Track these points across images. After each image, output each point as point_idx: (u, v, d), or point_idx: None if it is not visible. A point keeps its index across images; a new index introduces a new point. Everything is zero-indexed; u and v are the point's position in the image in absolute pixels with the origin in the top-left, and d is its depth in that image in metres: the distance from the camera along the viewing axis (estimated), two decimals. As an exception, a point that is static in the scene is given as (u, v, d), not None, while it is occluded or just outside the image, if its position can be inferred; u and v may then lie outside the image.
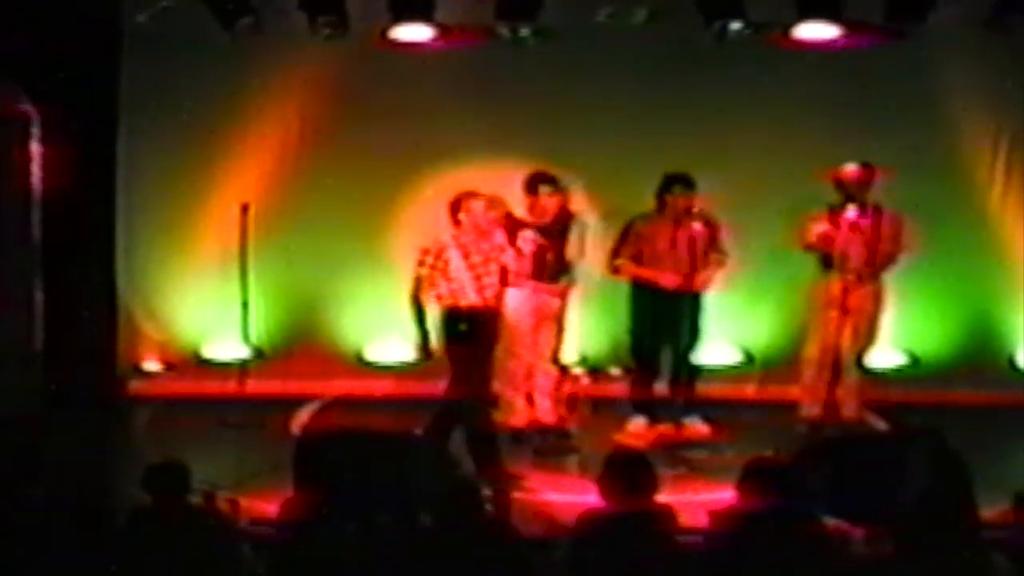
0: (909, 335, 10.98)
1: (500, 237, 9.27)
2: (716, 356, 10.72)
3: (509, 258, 9.27)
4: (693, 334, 10.13)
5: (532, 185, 9.89)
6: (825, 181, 10.03)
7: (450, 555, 6.75)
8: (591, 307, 10.47)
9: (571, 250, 9.93)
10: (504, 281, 9.30)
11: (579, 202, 10.27)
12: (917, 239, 10.14)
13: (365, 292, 11.09)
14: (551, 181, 9.90)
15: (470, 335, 9.10)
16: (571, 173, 10.18)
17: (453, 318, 9.12)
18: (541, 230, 9.67)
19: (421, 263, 9.12)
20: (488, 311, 9.17)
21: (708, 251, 10.03)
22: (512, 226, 9.51)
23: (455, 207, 9.18)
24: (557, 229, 9.81)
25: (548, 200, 9.84)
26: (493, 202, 9.28)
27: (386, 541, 6.89)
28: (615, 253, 10.11)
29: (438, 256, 9.09)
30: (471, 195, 9.20)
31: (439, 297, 9.13)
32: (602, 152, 10.64)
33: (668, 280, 9.95)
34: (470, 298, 9.11)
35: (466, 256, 9.10)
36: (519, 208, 9.87)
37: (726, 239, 10.13)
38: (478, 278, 9.12)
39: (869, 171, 9.96)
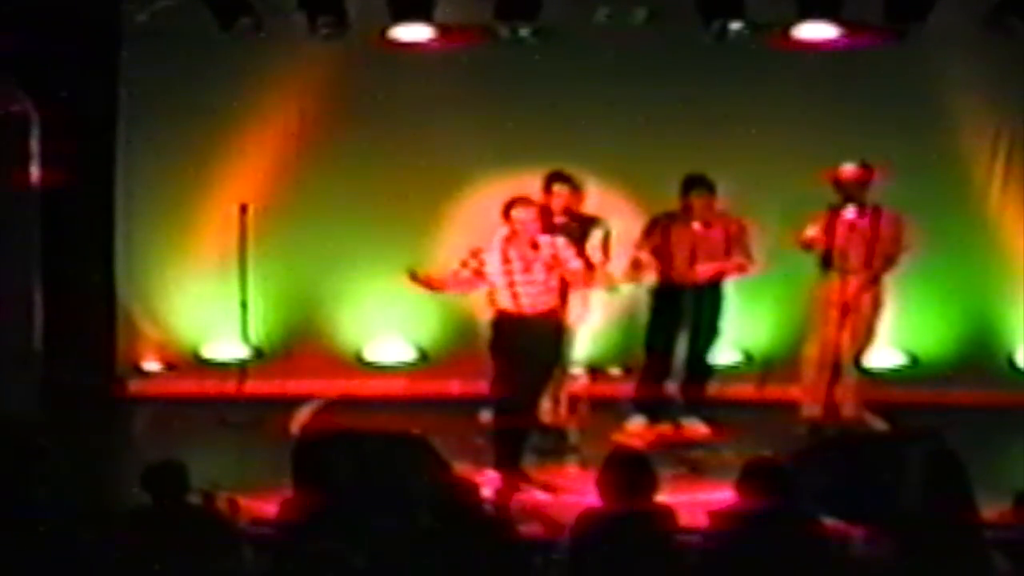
0: (909, 335, 10.98)
1: (547, 247, 9.08)
2: (716, 356, 10.71)
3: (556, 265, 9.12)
4: (710, 332, 10.13)
5: (547, 184, 9.83)
6: (823, 181, 10.03)
7: (450, 555, 6.75)
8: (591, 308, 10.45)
9: (592, 254, 9.83)
10: (561, 290, 9.18)
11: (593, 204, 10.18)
12: (917, 239, 10.14)
13: (365, 292, 11.10)
14: (565, 180, 9.82)
15: (502, 337, 9.10)
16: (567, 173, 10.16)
17: (494, 319, 9.15)
18: (560, 229, 9.59)
19: (464, 263, 9.08)
20: (519, 317, 9.04)
21: (730, 254, 10.00)
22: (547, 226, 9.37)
23: (505, 211, 9.07)
24: (573, 231, 9.72)
25: (558, 200, 9.77)
26: (543, 210, 9.21)
27: (385, 541, 6.89)
28: (638, 246, 10.07)
29: (474, 255, 9.05)
30: (520, 201, 9.08)
31: (467, 290, 9.20)
32: (601, 152, 10.62)
33: (695, 273, 9.92)
34: (504, 302, 9.08)
35: (505, 260, 9.02)
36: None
37: (752, 243, 10.10)
38: (511, 284, 9.02)
39: (867, 171, 9.95)
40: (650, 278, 10.10)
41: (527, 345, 9.08)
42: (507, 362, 9.10)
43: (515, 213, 9.02)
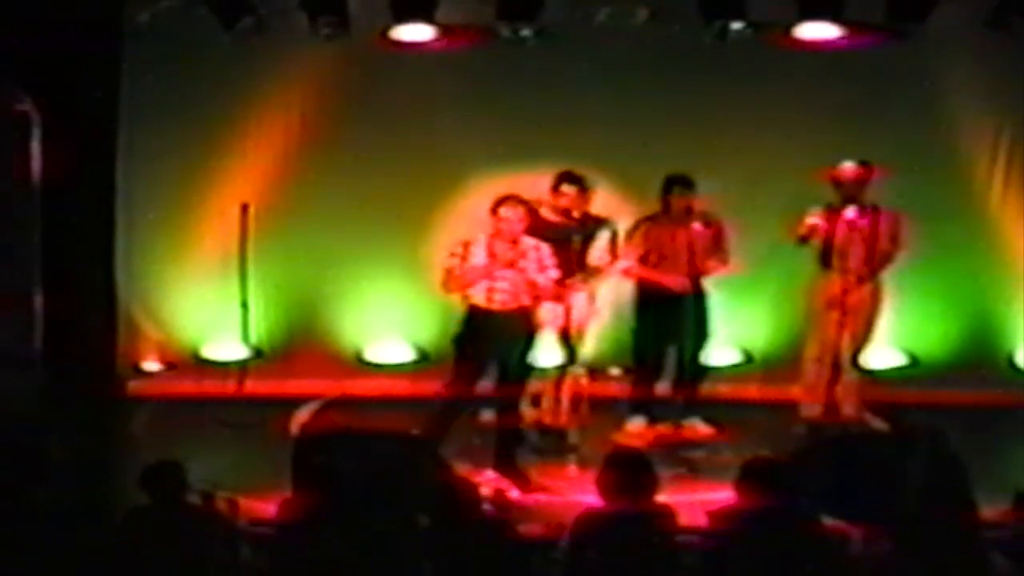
0: (908, 335, 10.98)
1: (531, 249, 9.11)
2: (716, 356, 10.71)
3: (534, 272, 9.13)
4: (700, 335, 10.12)
5: (556, 183, 9.82)
6: (823, 181, 10.03)
7: (449, 555, 6.76)
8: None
9: (595, 254, 9.84)
10: (532, 293, 9.16)
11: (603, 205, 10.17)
12: (915, 238, 10.14)
13: (365, 292, 11.10)
14: (575, 180, 9.80)
15: (468, 334, 9.13)
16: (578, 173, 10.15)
17: (465, 314, 9.18)
18: (564, 230, 9.60)
19: (452, 254, 9.15)
20: (488, 313, 9.10)
21: (710, 251, 10.01)
22: (535, 226, 9.37)
23: (494, 207, 9.10)
24: (581, 232, 9.71)
25: (565, 199, 9.75)
26: (528, 211, 9.19)
27: (385, 541, 6.89)
28: (624, 253, 10.07)
29: (464, 247, 9.12)
30: (509, 199, 9.10)
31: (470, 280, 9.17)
32: (601, 152, 10.61)
33: (675, 283, 9.94)
34: (477, 297, 9.12)
35: (490, 255, 9.07)
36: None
37: (730, 239, 10.11)
38: (490, 279, 9.08)
39: (867, 170, 9.96)
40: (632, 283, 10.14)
41: (493, 342, 9.12)
42: (469, 358, 9.13)
43: (503, 211, 9.06)
